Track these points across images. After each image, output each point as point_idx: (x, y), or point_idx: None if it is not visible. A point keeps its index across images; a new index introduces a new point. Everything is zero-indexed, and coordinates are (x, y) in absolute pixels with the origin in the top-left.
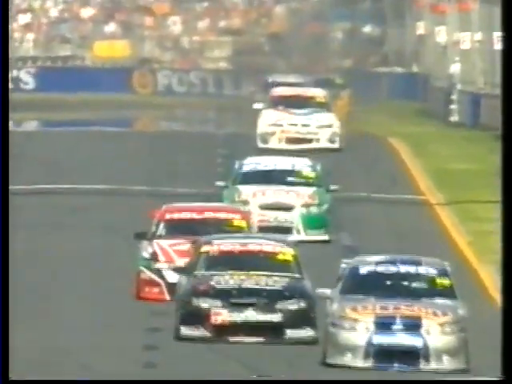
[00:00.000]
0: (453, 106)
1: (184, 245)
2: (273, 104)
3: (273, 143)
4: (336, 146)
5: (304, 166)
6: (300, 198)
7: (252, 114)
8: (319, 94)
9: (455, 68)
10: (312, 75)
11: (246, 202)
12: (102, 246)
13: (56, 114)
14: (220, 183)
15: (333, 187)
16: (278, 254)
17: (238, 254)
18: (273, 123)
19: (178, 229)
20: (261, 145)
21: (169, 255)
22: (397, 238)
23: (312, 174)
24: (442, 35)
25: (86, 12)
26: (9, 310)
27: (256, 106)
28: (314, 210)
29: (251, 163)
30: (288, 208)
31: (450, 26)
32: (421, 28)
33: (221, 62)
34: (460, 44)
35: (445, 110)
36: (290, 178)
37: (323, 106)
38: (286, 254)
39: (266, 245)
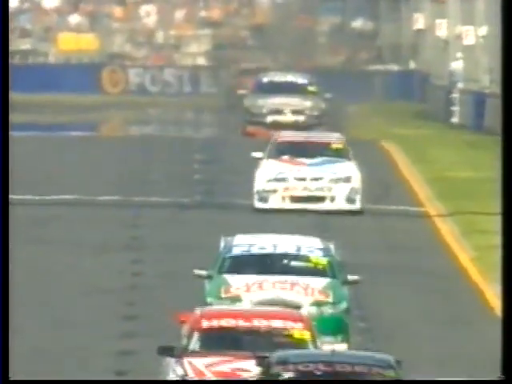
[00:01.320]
0: (454, 107)
1: (225, 364)
2: (276, 152)
3: (274, 202)
4: (356, 206)
5: (313, 248)
6: (309, 293)
7: (235, 116)
8: (335, 138)
9: (457, 65)
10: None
11: (236, 299)
12: (68, 261)
13: (13, 117)
14: (200, 272)
15: (351, 277)
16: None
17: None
18: (274, 177)
19: (217, 342)
20: (258, 204)
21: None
22: (391, 254)
23: (324, 260)
24: (442, 29)
25: (49, 1)
26: (9, 311)
27: (255, 154)
28: (327, 310)
29: (243, 244)
30: (293, 307)
31: (452, 19)
32: (419, 21)
33: (198, 58)
34: (463, 38)
35: (445, 111)
36: (294, 265)
37: (340, 154)
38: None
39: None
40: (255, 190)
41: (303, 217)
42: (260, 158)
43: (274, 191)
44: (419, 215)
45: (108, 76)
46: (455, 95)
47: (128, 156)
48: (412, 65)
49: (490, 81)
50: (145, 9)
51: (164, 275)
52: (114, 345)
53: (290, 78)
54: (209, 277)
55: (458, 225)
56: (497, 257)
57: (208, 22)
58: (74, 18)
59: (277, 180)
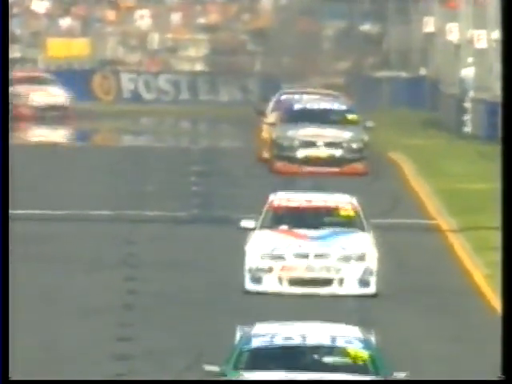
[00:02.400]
0: (466, 116)
1: None
2: (271, 221)
3: (269, 284)
4: (371, 290)
5: (351, 338)
6: None
7: (233, 125)
8: (346, 202)
9: (469, 71)
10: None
11: None
12: (58, 279)
13: None
14: (211, 368)
15: (398, 374)
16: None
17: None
18: (269, 253)
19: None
20: (250, 286)
21: None
22: (400, 270)
23: (365, 354)
24: (453, 33)
25: (38, 5)
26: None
27: (244, 223)
28: None
29: (264, 333)
30: None
31: (463, 23)
32: (429, 25)
33: (196, 63)
34: (475, 43)
35: (457, 120)
36: (329, 360)
37: (352, 223)
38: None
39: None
40: (246, 267)
41: None
42: (251, 229)
43: (269, 270)
44: (429, 230)
45: (99, 82)
46: (467, 104)
47: (121, 167)
48: (421, 71)
49: None
50: (139, 12)
51: (160, 294)
52: (107, 367)
53: (325, 104)
54: (222, 374)
55: (470, 240)
56: None
57: (206, 25)
58: (65, 22)
59: (272, 257)
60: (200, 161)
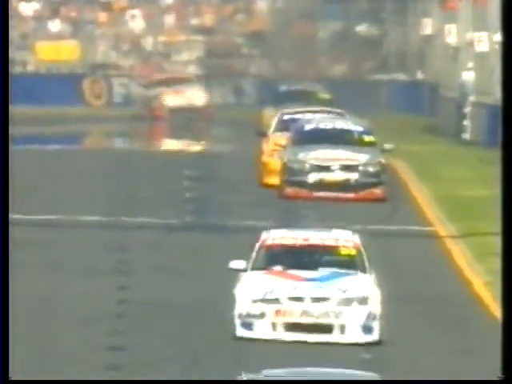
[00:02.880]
0: (466, 122)
1: None
2: (263, 261)
3: (261, 330)
4: (374, 337)
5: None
6: None
7: (227, 128)
8: (346, 240)
9: (469, 75)
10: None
11: None
12: (48, 287)
13: None
14: None
15: None
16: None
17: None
18: (262, 297)
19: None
20: (241, 332)
21: None
22: (398, 278)
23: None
24: (452, 35)
25: (27, 7)
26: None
27: (234, 264)
28: None
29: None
30: None
31: (463, 24)
32: (427, 27)
33: (190, 66)
34: (475, 46)
35: (456, 125)
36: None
37: (353, 263)
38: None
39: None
40: (236, 312)
41: None
42: (241, 270)
43: (262, 316)
44: (428, 236)
45: (90, 87)
46: (467, 108)
47: (113, 172)
48: (420, 75)
49: None
50: (131, 14)
51: (152, 302)
52: (99, 377)
53: (340, 124)
54: None
55: (470, 247)
56: None
57: (200, 27)
58: (55, 25)
59: (265, 301)
60: (194, 165)
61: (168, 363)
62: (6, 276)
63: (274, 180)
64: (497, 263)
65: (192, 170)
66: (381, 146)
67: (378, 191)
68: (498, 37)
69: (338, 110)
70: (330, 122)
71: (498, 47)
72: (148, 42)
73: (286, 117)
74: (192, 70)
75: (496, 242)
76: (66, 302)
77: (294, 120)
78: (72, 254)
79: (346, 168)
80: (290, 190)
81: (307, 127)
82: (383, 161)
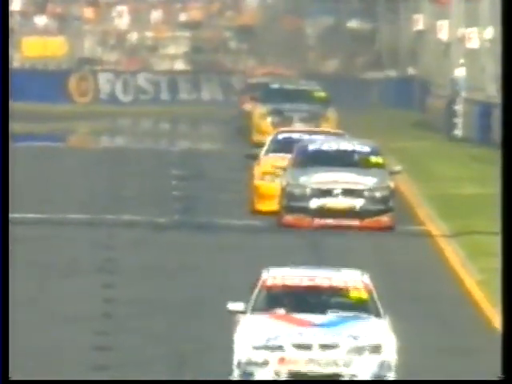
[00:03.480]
0: (457, 119)
1: None
2: (265, 302)
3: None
4: None
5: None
6: None
7: (215, 126)
8: (356, 280)
9: (460, 72)
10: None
11: None
12: (33, 286)
13: None
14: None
15: None
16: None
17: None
18: (264, 344)
19: None
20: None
21: None
22: (390, 277)
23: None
24: (444, 31)
25: (13, 2)
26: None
27: (232, 306)
28: None
29: None
30: None
31: (455, 20)
32: (419, 23)
33: (177, 62)
34: (466, 42)
35: (448, 122)
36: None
37: (364, 307)
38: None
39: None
40: (235, 361)
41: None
42: (240, 312)
43: (265, 364)
44: (420, 235)
45: (76, 83)
46: (458, 105)
47: (99, 170)
48: (411, 71)
49: (496, 89)
50: (118, 9)
51: (139, 301)
52: (84, 378)
53: (344, 145)
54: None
55: (462, 246)
56: None
57: (187, 22)
58: (41, 21)
59: (268, 348)
60: (181, 163)
61: (155, 363)
62: (6, 276)
63: (267, 206)
64: (489, 262)
65: (179, 168)
66: (389, 168)
67: (385, 219)
68: (488, 33)
69: (339, 131)
70: (335, 143)
71: (489, 44)
72: (135, 37)
73: (281, 137)
74: (179, 65)
75: (488, 241)
76: (51, 301)
77: (290, 140)
78: (58, 252)
79: (351, 193)
80: (289, 218)
81: (310, 148)
82: (392, 185)
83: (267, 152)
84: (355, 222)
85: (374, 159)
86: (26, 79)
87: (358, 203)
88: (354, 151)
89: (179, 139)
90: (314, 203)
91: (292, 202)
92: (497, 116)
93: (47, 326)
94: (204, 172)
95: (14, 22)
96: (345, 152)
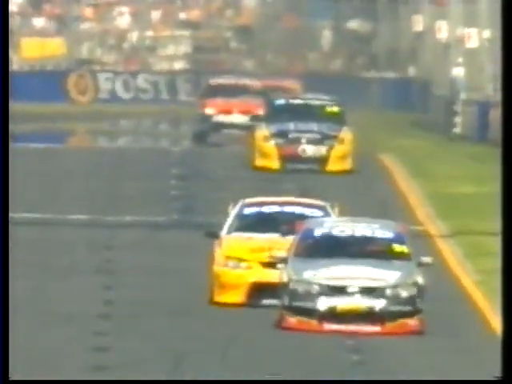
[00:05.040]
0: (456, 118)
1: None
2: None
3: None
4: None
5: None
6: None
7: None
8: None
9: (459, 72)
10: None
11: None
12: (32, 286)
13: None
14: None
15: None
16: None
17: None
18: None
19: None
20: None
21: None
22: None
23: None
24: (443, 31)
25: (11, 3)
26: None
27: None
28: None
29: None
30: None
31: (454, 21)
32: (418, 23)
33: (176, 62)
34: (465, 42)
35: (447, 122)
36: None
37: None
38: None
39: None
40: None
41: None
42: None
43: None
44: (418, 234)
45: (75, 83)
46: (457, 105)
47: (98, 170)
48: (411, 71)
49: (494, 89)
50: (117, 9)
51: (138, 301)
52: (84, 379)
53: (362, 229)
54: None
55: (460, 245)
56: None
57: (187, 22)
58: (39, 22)
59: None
60: (180, 163)
61: (154, 363)
62: (5, 276)
63: (230, 298)
64: (487, 262)
65: (180, 168)
66: (417, 258)
67: (412, 322)
68: (487, 33)
69: (323, 204)
70: (349, 227)
71: (487, 44)
72: (134, 37)
73: (248, 211)
74: (178, 65)
75: (486, 240)
76: (50, 301)
77: (260, 216)
78: (57, 253)
79: (369, 291)
80: (292, 320)
81: (316, 233)
82: (420, 280)
83: (230, 230)
84: (375, 328)
85: (397, 248)
86: (24, 80)
87: (378, 304)
88: (372, 238)
89: (179, 140)
90: (323, 304)
91: (295, 301)
92: (495, 115)
93: (46, 327)
94: (203, 171)
95: (12, 23)
96: (361, 239)
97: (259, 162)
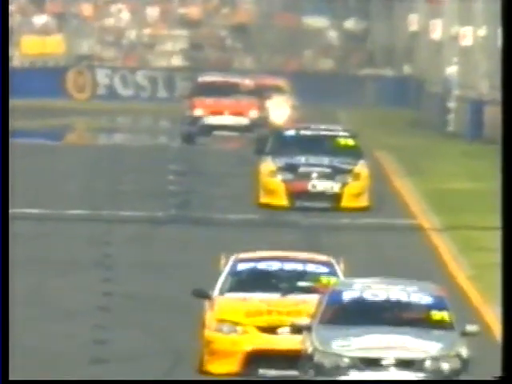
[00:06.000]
0: (450, 116)
1: None
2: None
3: None
4: None
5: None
6: None
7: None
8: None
9: (453, 70)
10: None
11: None
12: (32, 281)
13: None
14: None
15: None
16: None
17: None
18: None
19: None
20: None
21: None
22: (384, 271)
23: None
24: (437, 30)
25: (12, 1)
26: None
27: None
28: None
29: None
30: None
31: (448, 19)
32: (413, 22)
33: (174, 59)
34: (460, 40)
35: (441, 119)
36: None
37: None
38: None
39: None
40: None
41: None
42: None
43: None
44: (413, 230)
45: (73, 79)
46: (451, 103)
47: (97, 166)
48: (406, 69)
49: (488, 87)
50: (115, 7)
51: (137, 296)
52: (83, 371)
53: (397, 292)
54: None
55: (454, 241)
56: (496, 275)
57: (185, 20)
58: (39, 19)
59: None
60: (178, 159)
61: (152, 357)
62: (5, 276)
63: (223, 367)
64: (481, 257)
65: (177, 164)
66: (461, 326)
67: None
68: (482, 31)
69: (325, 258)
70: (382, 289)
71: (481, 42)
72: (132, 34)
73: (242, 266)
74: (176, 62)
75: (480, 236)
76: (49, 296)
77: (256, 273)
78: (56, 248)
79: (407, 364)
80: None
81: (345, 297)
82: (464, 352)
83: (223, 289)
84: None
85: (437, 315)
86: (24, 77)
87: (417, 377)
88: (410, 304)
89: (177, 136)
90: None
91: (322, 376)
92: (488, 113)
93: (45, 321)
94: (200, 167)
95: (12, 21)
96: (397, 304)
97: (265, 199)
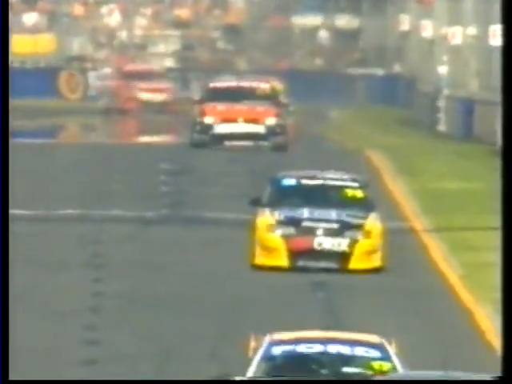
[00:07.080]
0: (441, 115)
1: None
2: None
3: None
4: None
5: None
6: None
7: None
8: None
9: (444, 69)
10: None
11: None
12: (22, 281)
13: None
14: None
15: None
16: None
17: None
18: None
19: None
20: None
21: None
22: (374, 272)
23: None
24: (428, 29)
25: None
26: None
27: None
28: None
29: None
30: None
31: (438, 19)
32: (404, 21)
33: (166, 60)
34: (450, 39)
35: (432, 118)
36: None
37: None
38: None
39: None
40: None
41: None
42: None
43: None
44: (404, 230)
45: (65, 80)
46: (441, 102)
47: (88, 166)
48: (397, 68)
49: (478, 86)
50: (108, 7)
51: (127, 296)
52: (73, 372)
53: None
54: None
55: (445, 241)
56: (488, 275)
57: (177, 21)
58: (30, 18)
59: None
60: (169, 159)
61: (143, 356)
62: (5, 276)
63: None
64: (472, 257)
65: (169, 163)
66: None
67: None
68: (471, 31)
69: (375, 339)
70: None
71: (471, 41)
72: (124, 35)
73: (277, 350)
74: (168, 63)
75: (471, 235)
76: (40, 296)
77: (294, 356)
78: (46, 248)
79: None
80: None
81: None
82: None
83: (256, 376)
84: None
85: None
86: (15, 77)
87: None
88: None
89: (168, 135)
90: None
91: None
92: (478, 112)
93: (36, 321)
94: (192, 167)
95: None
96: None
97: (261, 258)
